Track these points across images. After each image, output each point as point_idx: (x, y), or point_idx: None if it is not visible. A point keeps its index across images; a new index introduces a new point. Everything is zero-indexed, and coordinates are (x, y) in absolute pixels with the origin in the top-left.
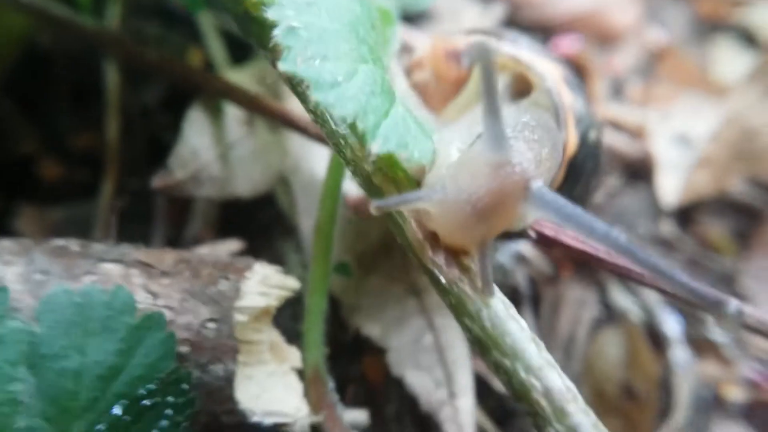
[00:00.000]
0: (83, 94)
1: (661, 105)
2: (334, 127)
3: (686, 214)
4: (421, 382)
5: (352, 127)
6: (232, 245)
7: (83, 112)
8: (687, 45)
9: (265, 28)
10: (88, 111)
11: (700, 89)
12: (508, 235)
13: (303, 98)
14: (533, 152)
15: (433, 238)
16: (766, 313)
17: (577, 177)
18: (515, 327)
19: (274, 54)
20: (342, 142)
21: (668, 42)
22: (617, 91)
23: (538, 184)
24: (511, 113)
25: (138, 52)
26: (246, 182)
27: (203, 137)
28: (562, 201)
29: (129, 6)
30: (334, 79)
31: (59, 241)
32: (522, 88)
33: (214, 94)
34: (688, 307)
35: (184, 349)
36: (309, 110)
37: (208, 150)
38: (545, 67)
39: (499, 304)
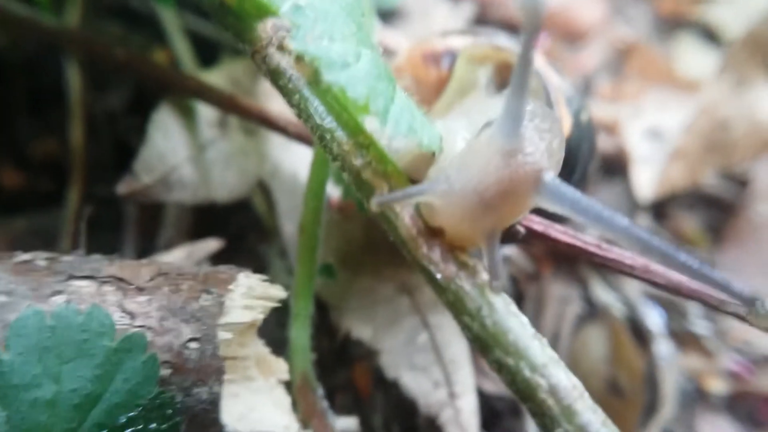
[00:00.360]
0: (43, 97)
1: (631, 100)
2: (319, 121)
3: (660, 208)
4: (418, 383)
5: (364, 108)
6: (211, 245)
7: (44, 116)
8: (651, 42)
9: (242, 19)
10: (50, 115)
11: (668, 84)
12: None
13: (286, 92)
14: (545, 142)
15: (429, 234)
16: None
17: (575, 161)
18: (517, 323)
19: (253, 46)
20: (328, 136)
21: (633, 39)
22: (587, 87)
23: (550, 176)
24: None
25: (103, 51)
26: (221, 186)
27: (171, 140)
28: (577, 193)
29: (89, 5)
30: (344, 60)
31: (23, 256)
32: (506, 76)
33: (184, 94)
34: (708, 305)
35: (165, 371)
36: (292, 105)
37: (176, 153)
38: None
39: (499, 301)
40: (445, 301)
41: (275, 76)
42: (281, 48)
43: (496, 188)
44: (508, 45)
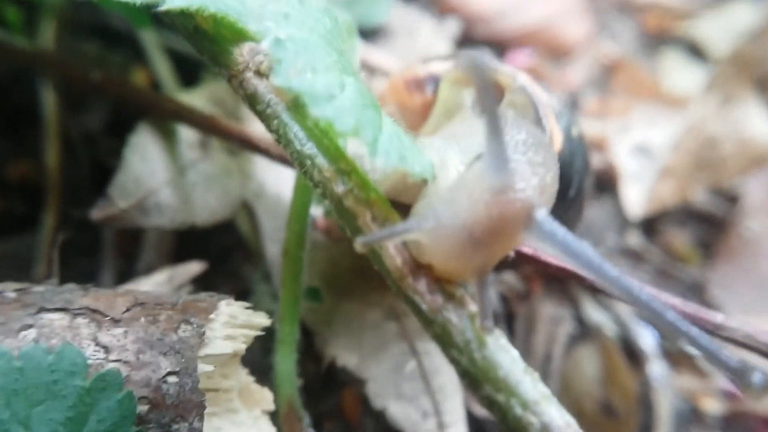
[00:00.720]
0: (18, 118)
1: (618, 117)
2: (299, 147)
3: (651, 225)
4: (405, 413)
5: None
6: (193, 268)
7: (20, 138)
8: (636, 58)
9: (217, 43)
10: (25, 137)
11: (654, 100)
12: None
13: (264, 118)
14: (538, 177)
15: (415, 265)
16: (749, 326)
17: (569, 176)
18: (507, 358)
19: (230, 70)
20: (308, 162)
21: (619, 55)
22: (573, 104)
23: (542, 214)
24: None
25: (79, 73)
26: (202, 209)
27: (148, 162)
28: (569, 235)
29: (64, 24)
30: (329, 92)
31: None
32: None
33: (164, 116)
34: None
35: (142, 408)
36: (271, 130)
37: (154, 176)
38: (512, 70)
39: (490, 335)
40: (432, 333)
41: (253, 101)
42: (258, 73)
43: (486, 225)
44: (491, 65)
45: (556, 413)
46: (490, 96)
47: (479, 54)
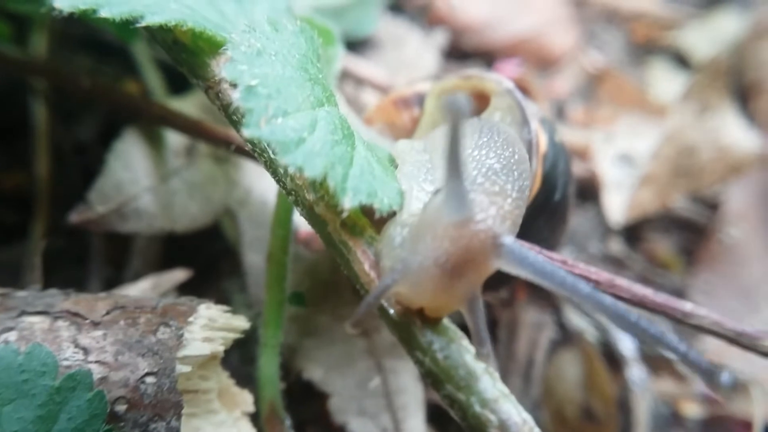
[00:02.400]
0: (10, 130)
1: (603, 126)
2: (273, 155)
3: (634, 232)
4: (365, 429)
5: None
6: (178, 275)
7: (11, 149)
8: (623, 67)
9: (196, 55)
10: (17, 148)
11: (640, 109)
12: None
13: (239, 128)
14: (496, 207)
15: (410, 312)
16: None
17: (554, 179)
18: (469, 358)
19: (207, 81)
20: (282, 171)
21: (606, 65)
22: (560, 113)
23: (508, 241)
24: (471, 156)
25: (68, 82)
26: (182, 216)
27: (131, 169)
28: (540, 258)
29: (56, 36)
30: (298, 136)
31: None
32: (479, 104)
33: (153, 122)
34: (673, 319)
35: (120, 407)
36: (246, 140)
37: (135, 182)
38: (498, 77)
39: (452, 336)
40: (398, 336)
41: (229, 112)
42: (234, 84)
43: (456, 259)
44: (476, 73)
45: (513, 410)
46: (457, 140)
47: (460, 99)
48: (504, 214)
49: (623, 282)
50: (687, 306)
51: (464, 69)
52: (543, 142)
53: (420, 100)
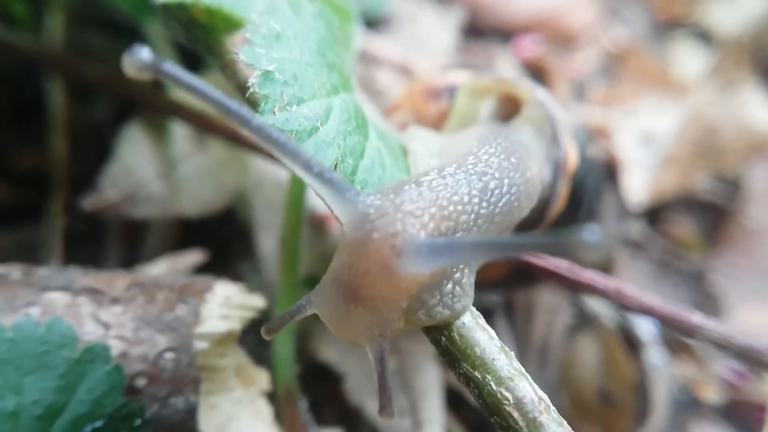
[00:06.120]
0: (26, 109)
1: (624, 105)
2: None
3: (654, 213)
4: None
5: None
6: (194, 257)
7: (28, 128)
8: (646, 44)
9: (211, 33)
10: (33, 128)
11: (661, 88)
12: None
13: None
14: (411, 215)
15: None
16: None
17: (580, 197)
18: (484, 337)
19: (223, 60)
20: None
21: (628, 42)
22: (579, 92)
23: (412, 234)
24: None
25: (79, 69)
26: (193, 201)
27: (141, 155)
28: (453, 239)
29: (71, 17)
30: (312, 125)
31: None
32: (510, 109)
33: (160, 111)
34: (681, 330)
35: (140, 382)
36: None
37: (145, 168)
38: (532, 85)
39: (468, 315)
40: None
41: (245, 91)
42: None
43: (354, 271)
44: (510, 78)
45: (529, 388)
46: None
47: None
48: (425, 221)
49: (631, 291)
50: (694, 318)
51: (486, 47)
52: (572, 160)
53: (450, 91)
